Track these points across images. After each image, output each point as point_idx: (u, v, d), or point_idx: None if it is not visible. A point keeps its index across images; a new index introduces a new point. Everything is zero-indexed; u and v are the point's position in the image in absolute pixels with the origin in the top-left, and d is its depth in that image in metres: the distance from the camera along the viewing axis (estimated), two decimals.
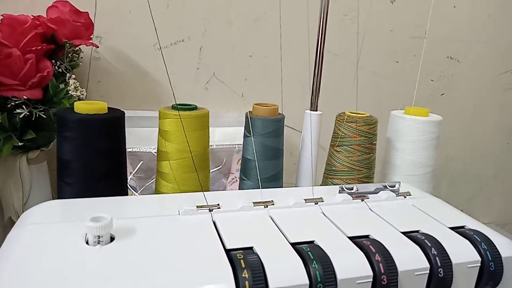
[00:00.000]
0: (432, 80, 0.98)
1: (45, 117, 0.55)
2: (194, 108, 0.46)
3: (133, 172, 0.70)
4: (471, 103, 1.03)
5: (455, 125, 1.02)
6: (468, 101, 1.03)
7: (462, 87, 1.01)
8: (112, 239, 0.29)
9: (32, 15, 0.57)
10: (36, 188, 0.61)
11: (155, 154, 0.51)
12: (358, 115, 0.53)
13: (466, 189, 1.10)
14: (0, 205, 0.62)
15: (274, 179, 0.49)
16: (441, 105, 0.98)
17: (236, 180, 0.73)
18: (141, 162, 0.71)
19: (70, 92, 0.58)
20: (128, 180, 0.68)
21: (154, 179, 0.51)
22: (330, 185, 0.54)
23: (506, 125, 1.09)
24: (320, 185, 0.59)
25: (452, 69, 0.98)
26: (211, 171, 0.74)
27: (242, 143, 0.53)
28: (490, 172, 1.12)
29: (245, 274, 0.26)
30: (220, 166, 0.76)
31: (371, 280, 0.29)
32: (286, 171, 0.57)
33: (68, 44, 0.58)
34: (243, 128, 0.52)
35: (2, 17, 0.54)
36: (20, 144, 0.55)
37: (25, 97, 0.53)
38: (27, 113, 0.54)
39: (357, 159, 0.52)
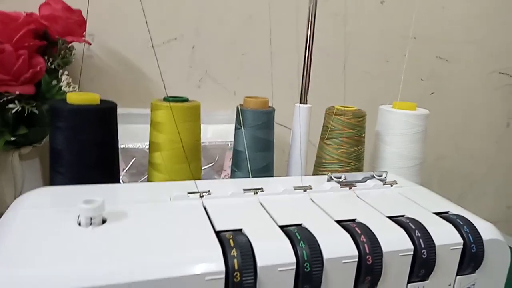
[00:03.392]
0: (422, 80, 1.00)
1: (37, 112, 0.56)
2: (186, 100, 0.47)
3: (126, 169, 0.71)
4: (460, 102, 1.05)
5: (444, 124, 1.04)
6: (458, 100, 1.04)
7: (452, 86, 1.02)
8: (104, 221, 0.29)
9: (24, 12, 0.57)
10: (28, 184, 0.61)
11: (148, 151, 0.52)
12: (346, 108, 0.54)
13: (456, 187, 1.12)
14: None
15: (264, 171, 0.50)
16: (431, 104, 0.99)
17: (229, 177, 0.73)
18: (134, 158, 0.71)
19: (62, 88, 0.58)
20: (121, 177, 0.68)
21: (147, 175, 0.52)
22: None
23: (496, 124, 1.11)
24: None
25: (441, 68, 1.00)
26: (203, 168, 0.74)
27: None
28: (480, 171, 1.13)
29: (233, 252, 0.27)
30: (213, 163, 0.77)
31: (357, 260, 0.30)
32: (278, 169, 0.57)
33: (60, 41, 0.59)
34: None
35: None
36: (12, 139, 0.55)
37: (17, 92, 0.54)
38: (20, 108, 0.54)
39: (346, 151, 0.53)
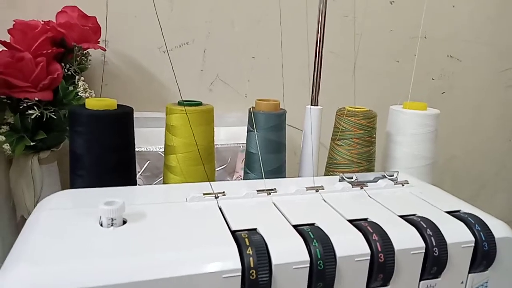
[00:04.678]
0: (433, 79, 0.99)
1: (55, 118, 0.57)
2: (199, 104, 0.48)
3: (141, 172, 0.72)
4: (472, 101, 1.04)
5: (456, 123, 1.03)
6: (469, 99, 1.04)
7: (463, 85, 1.02)
8: (124, 222, 0.30)
9: (42, 20, 0.59)
10: (47, 188, 0.63)
11: (162, 154, 0.53)
12: (357, 109, 0.55)
13: (468, 187, 1.11)
14: (13, 204, 0.64)
15: (276, 172, 0.51)
16: (442, 104, 1.00)
17: (241, 179, 0.74)
18: (148, 161, 0.72)
19: (79, 93, 0.60)
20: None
21: (161, 178, 0.53)
22: None
23: (508, 122, 1.10)
24: None
25: (452, 67, 1.00)
26: (216, 170, 0.75)
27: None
28: (492, 170, 1.12)
29: (249, 251, 0.28)
30: (225, 165, 0.78)
31: (369, 258, 0.30)
32: (289, 171, 0.58)
33: (77, 48, 0.61)
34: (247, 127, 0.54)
35: (14, 23, 0.56)
36: (31, 144, 0.57)
37: (36, 98, 0.55)
38: (39, 114, 0.56)
39: (357, 152, 0.54)
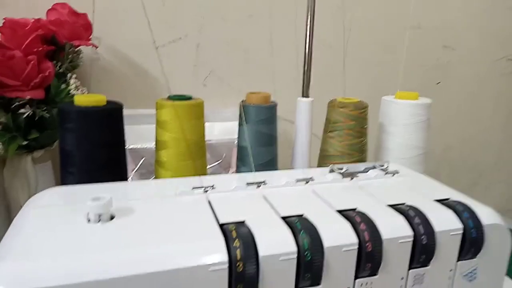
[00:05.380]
0: (427, 69, 0.99)
1: (48, 116, 0.57)
2: (189, 98, 0.48)
3: (136, 169, 0.72)
4: (468, 90, 1.04)
5: (452, 113, 1.03)
6: (465, 88, 1.04)
7: (458, 75, 1.02)
8: (112, 217, 0.31)
9: (32, 18, 0.59)
10: (42, 187, 0.63)
11: None
12: (348, 100, 0.55)
13: (465, 177, 1.11)
14: (8, 204, 0.64)
15: (268, 165, 0.51)
16: (438, 94, 1.00)
17: None
18: (143, 158, 0.72)
19: (71, 91, 0.60)
20: (131, 177, 0.69)
21: (154, 173, 0.53)
22: None
23: (504, 111, 1.10)
24: None
25: (447, 57, 1.00)
26: (211, 165, 0.76)
27: None
28: (489, 160, 1.12)
29: (236, 243, 0.28)
30: (220, 160, 0.78)
31: (357, 247, 0.30)
32: (283, 164, 0.58)
33: (68, 45, 0.61)
34: None
35: (4, 21, 0.56)
36: (24, 143, 0.57)
37: (28, 97, 0.55)
38: (31, 113, 0.56)
39: (349, 143, 0.54)
